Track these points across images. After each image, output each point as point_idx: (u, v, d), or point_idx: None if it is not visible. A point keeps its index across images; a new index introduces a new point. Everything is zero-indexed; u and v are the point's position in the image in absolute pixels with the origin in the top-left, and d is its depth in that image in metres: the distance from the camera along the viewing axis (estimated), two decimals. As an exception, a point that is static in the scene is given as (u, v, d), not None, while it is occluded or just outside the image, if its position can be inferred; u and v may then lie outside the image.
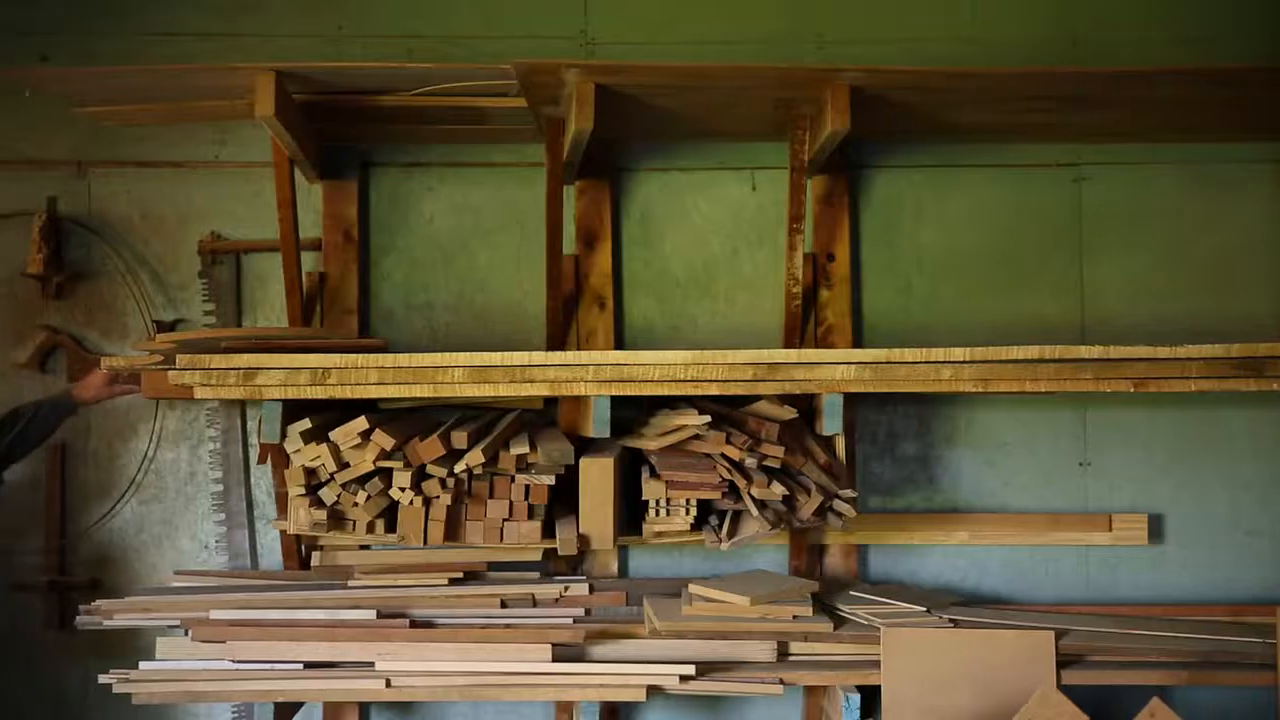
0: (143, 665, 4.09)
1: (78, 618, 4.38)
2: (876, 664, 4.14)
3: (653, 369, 3.95)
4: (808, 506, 4.12)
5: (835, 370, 3.98)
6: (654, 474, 4.11)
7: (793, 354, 4.00)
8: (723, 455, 4.05)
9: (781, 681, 4.09)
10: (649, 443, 4.12)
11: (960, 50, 4.91)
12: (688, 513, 4.11)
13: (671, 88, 4.28)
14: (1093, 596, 4.90)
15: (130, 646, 4.76)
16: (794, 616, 4.17)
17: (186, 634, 4.15)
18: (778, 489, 4.04)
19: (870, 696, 4.16)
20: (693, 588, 4.27)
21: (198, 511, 4.89)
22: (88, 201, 4.88)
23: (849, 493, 4.21)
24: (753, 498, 4.05)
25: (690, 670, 4.02)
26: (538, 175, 4.73)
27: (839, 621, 4.27)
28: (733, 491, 4.10)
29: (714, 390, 3.99)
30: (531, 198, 4.84)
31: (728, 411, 4.22)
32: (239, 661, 4.05)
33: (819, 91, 4.28)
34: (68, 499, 4.86)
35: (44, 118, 4.81)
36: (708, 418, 4.05)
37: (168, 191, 4.91)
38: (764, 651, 4.12)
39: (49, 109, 4.72)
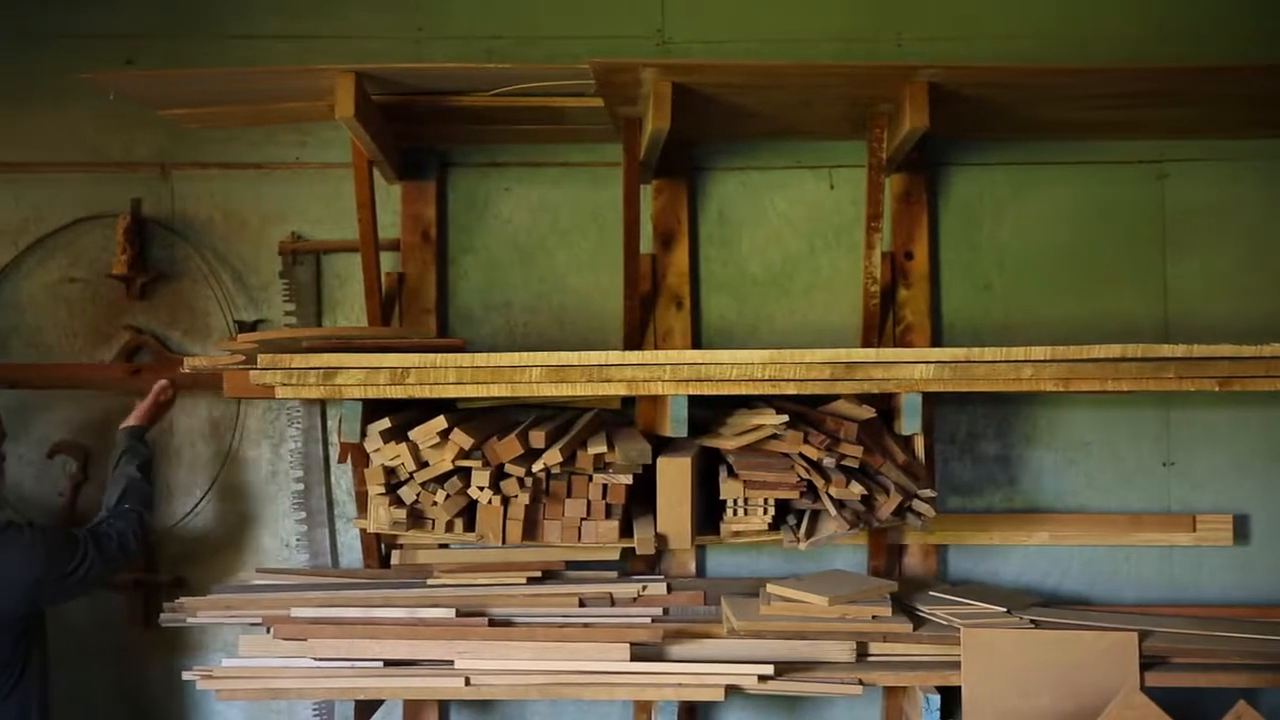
0: (225, 662, 4.13)
1: (162, 615, 4.43)
2: (956, 665, 4.11)
3: (730, 368, 3.94)
4: (886, 506, 4.09)
5: (914, 369, 3.96)
6: (731, 473, 4.10)
7: (871, 353, 3.97)
8: (800, 455, 4.03)
9: (860, 682, 4.07)
10: (726, 442, 4.11)
11: (1041, 46, 4.87)
12: (765, 512, 4.10)
13: (748, 86, 4.27)
14: (1176, 597, 4.84)
15: (213, 643, 4.82)
16: (873, 617, 4.15)
17: (268, 631, 4.19)
18: (856, 489, 4.03)
19: (950, 697, 4.13)
20: (771, 587, 4.26)
21: (279, 510, 4.94)
22: (171, 203, 4.93)
23: (928, 492, 4.19)
24: (831, 497, 4.03)
25: (769, 670, 4.01)
26: (615, 175, 4.74)
27: (918, 622, 4.24)
28: (811, 491, 4.08)
29: (791, 390, 3.98)
30: (609, 197, 4.85)
31: (805, 411, 4.20)
32: (320, 659, 4.08)
33: (897, 89, 4.25)
34: (152, 497, 4.92)
35: (129, 121, 4.87)
36: (785, 417, 4.04)
37: (249, 193, 4.95)
38: (843, 652, 4.10)
39: (133, 112, 4.77)
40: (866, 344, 4.64)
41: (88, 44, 4.88)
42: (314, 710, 4.82)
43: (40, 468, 4.90)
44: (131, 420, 4.60)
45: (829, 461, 4.02)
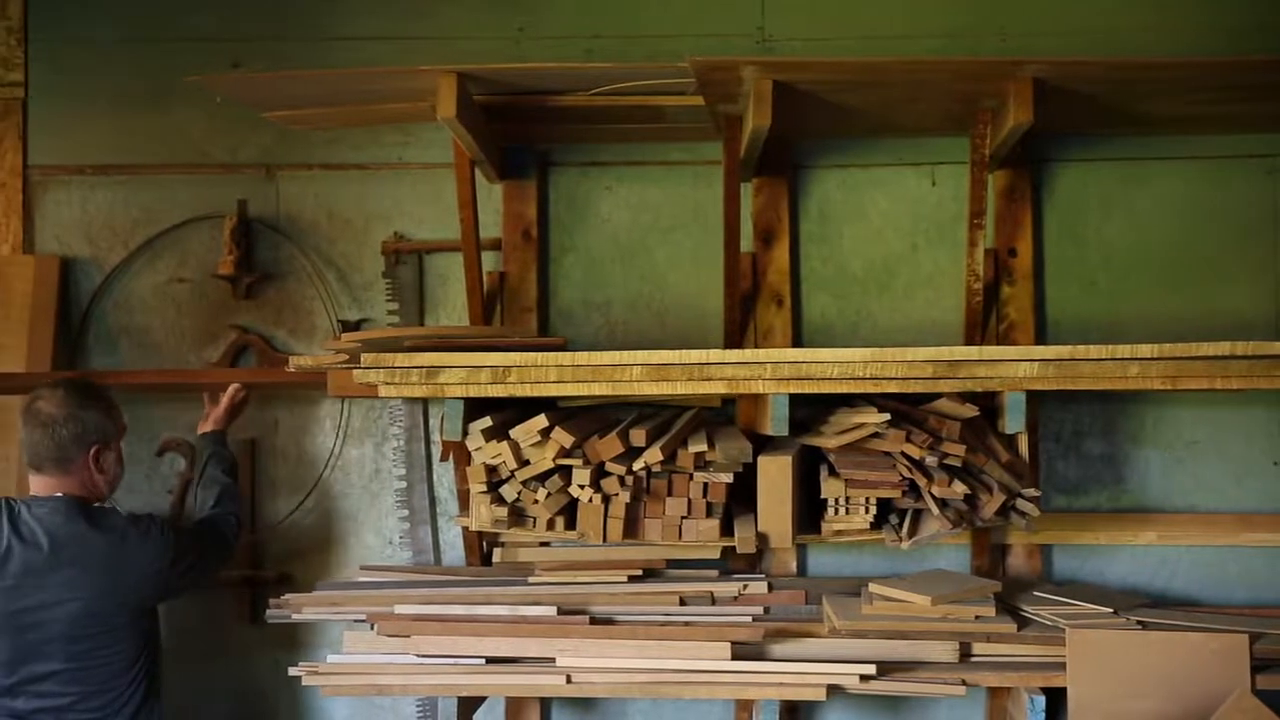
0: (330, 658, 4.16)
1: (268, 611, 4.48)
2: (1062, 666, 4.06)
3: (831, 366, 3.92)
4: (990, 505, 4.06)
5: (1018, 368, 3.92)
6: (833, 472, 4.08)
7: (973, 351, 3.94)
8: (903, 453, 4.00)
9: (964, 682, 4.03)
10: (828, 440, 4.09)
11: (1148, 40, 4.80)
12: (867, 511, 4.07)
13: (850, 84, 4.24)
14: (1289, 599, 4.77)
15: (318, 639, 4.87)
16: (976, 617, 4.11)
17: (372, 628, 4.22)
18: (959, 487, 3.99)
19: (1055, 699, 4.08)
20: (873, 587, 4.24)
21: (382, 507, 4.98)
22: (276, 204, 4.99)
23: (1032, 491, 4.14)
24: (933, 496, 4.00)
25: (871, 670, 3.98)
26: (715, 173, 4.73)
27: (1022, 622, 4.19)
28: (913, 490, 4.05)
29: (893, 388, 3.95)
30: (709, 195, 4.84)
31: (907, 409, 4.17)
32: (423, 656, 4.11)
33: (1001, 85, 4.21)
34: (258, 495, 4.99)
35: (235, 123, 4.94)
36: (887, 415, 4.01)
37: (353, 193, 5.00)
38: (946, 652, 4.07)
39: (240, 114, 4.83)
40: (969, 342, 4.60)
41: (194, 48, 4.95)
42: (417, 706, 4.86)
43: (149, 465, 4.98)
44: (209, 425, 4.66)
45: (931, 460, 3.99)
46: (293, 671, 4.18)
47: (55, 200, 5.02)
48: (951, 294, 4.82)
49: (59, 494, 4.07)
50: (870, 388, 3.94)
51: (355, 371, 4.03)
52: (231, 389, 4.68)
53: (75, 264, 5.01)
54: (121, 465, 4.27)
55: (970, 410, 4.08)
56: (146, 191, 5.01)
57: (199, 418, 4.77)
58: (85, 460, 4.10)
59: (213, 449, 4.60)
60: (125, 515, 4.15)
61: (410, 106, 4.57)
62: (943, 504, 4.02)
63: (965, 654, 4.12)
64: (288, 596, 4.51)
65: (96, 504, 4.14)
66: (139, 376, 4.78)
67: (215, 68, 4.88)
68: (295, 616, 4.43)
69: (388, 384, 3.98)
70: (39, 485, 4.11)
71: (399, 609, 4.25)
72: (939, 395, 4.14)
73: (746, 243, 4.80)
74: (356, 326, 4.93)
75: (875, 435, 4.03)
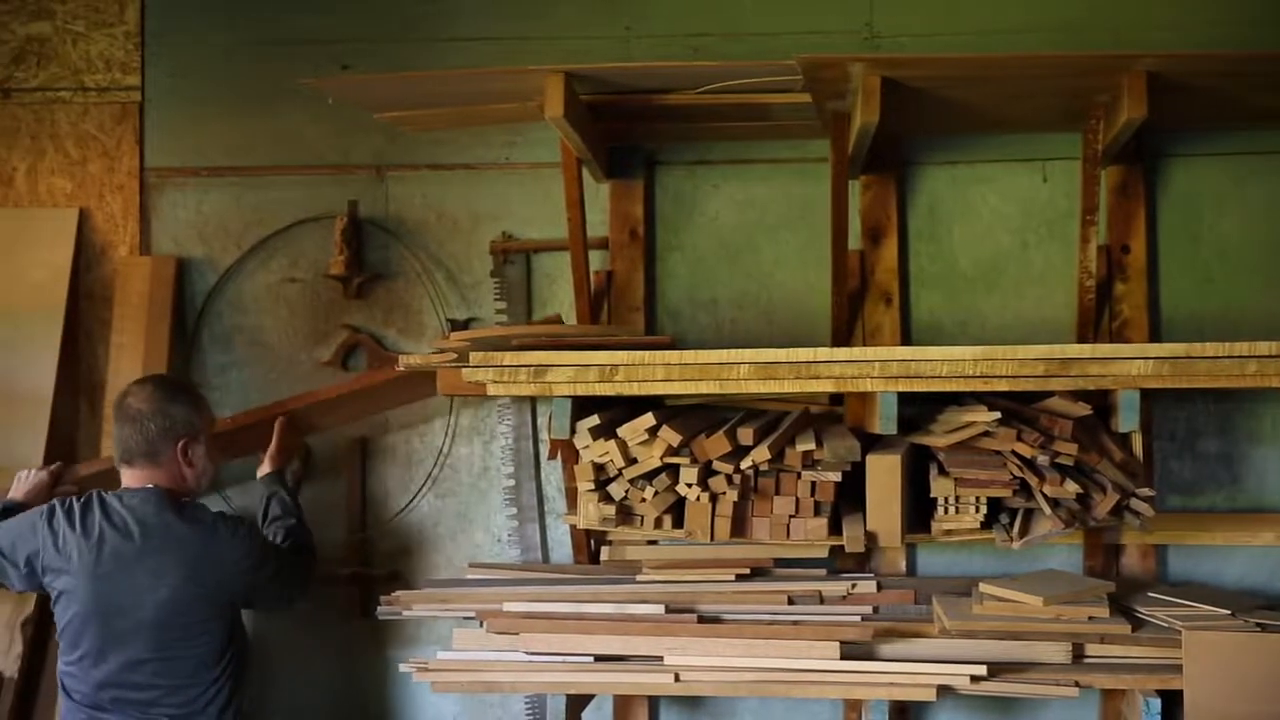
0: (439, 655, 4.20)
1: (379, 608, 4.53)
2: (1177, 668, 3.99)
3: (940, 365, 3.88)
4: (1103, 505, 4.00)
5: (1131, 365, 3.86)
6: (942, 471, 4.05)
7: (1086, 349, 3.88)
8: (1013, 452, 3.96)
9: (1077, 684, 3.98)
10: (937, 439, 4.06)
11: (1259, 35, 4.71)
12: (977, 510, 4.03)
13: (959, 79, 4.21)
14: None
15: (427, 636, 4.91)
16: (1089, 618, 4.06)
17: (481, 625, 4.25)
18: (1071, 487, 3.94)
19: (1171, 701, 4.02)
20: (983, 586, 4.20)
21: (491, 505, 5.01)
22: (386, 204, 5.04)
23: (1146, 491, 4.08)
24: (1045, 496, 3.96)
25: (981, 671, 3.94)
26: (822, 170, 4.71)
27: (1136, 623, 4.13)
28: (1024, 489, 4.01)
29: (1003, 386, 3.91)
30: (816, 193, 4.81)
31: (1018, 408, 4.13)
32: (532, 653, 4.13)
33: (1114, 79, 4.15)
34: (368, 493, 5.04)
35: (346, 124, 4.98)
36: (997, 414, 3.97)
37: (461, 193, 5.04)
38: (1058, 653, 4.02)
39: (350, 116, 4.88)
40: (1081, 339, 4.55)
41: (306, 50, 5.00)
42: (526, 703, 4.89)
43: (263, 463, 5.05)
44: (267, 467, 4.65)
45: (1043, 459, 3.94)
46: (403, 668, 4.22)
47: (171, 202, 5.10)
48: (1063, 291, 4.76)
49: (150, 485, 4.14)
50: (980, 386, 3.90)
51: (464, 370, 4.06)
52: (279, 424, 4.69)
53: (190, 264, 5.09)
54: (212, 460, 4.29)
55: (1083, 409, 4.03)
56: (259, 193, 5.08)
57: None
58: (174, 454, 4.16)
59: (270, 489, 4.62)
60: (215, 512, 4.21)
61: (518, 106, 4.59)
62: (1055, 503, 3.98)
63: (1078, 655, 4.07)
64: (398, 593, 4.55)
65: (185, 498, 4.19)
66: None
67: (326, 70, 4.94)
68: (405, 613, 4.47)
69: (496, 383, 4.01)
70: (130, 479, 4.17)
71: (508, 606, 4.27)
72: (1050, 394, 4.10)
73: (854, 240, 4.77)
74: (465, 326, 4.96)
75: (985, 434, 3.99)
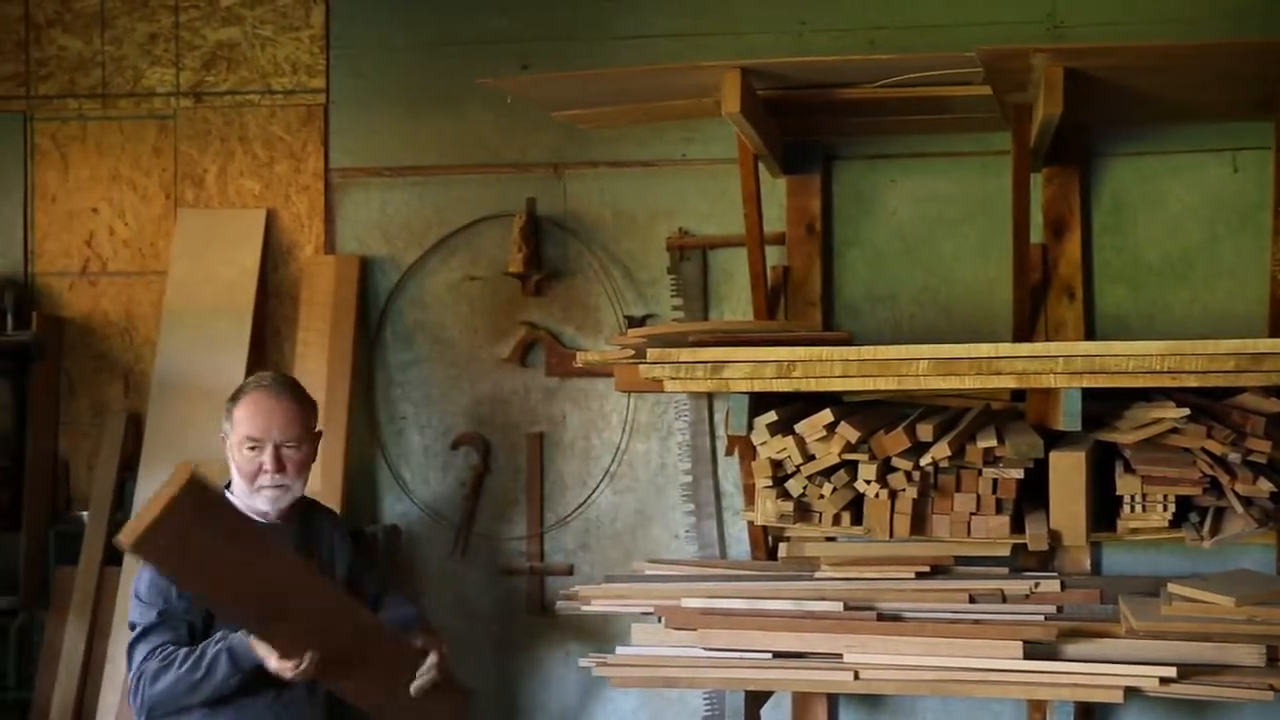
0: (619, 650, 4.22)
1: (558, 603, 4.57)
2: (1377, 672, 3.86)
3: (1126, 360, 3.79)
4: (1298, 504, 3.89)
5: (1329, 360, 3.74)
6: (1129, 469, 3.97)
7: (1278, 343, 3.77)
8: (1203, 449, 3.86)
9: (1272, 688, 3.86)
10: (1123, 436, 3.98)
11: None
12: (1165, 509, 3.94)
13: (1144, 69, 4.12)
14: None
15: (604, 631, 4.94)
16: (1285, 619, 3.95)
17: (660, 621, 4.26)
18: (1265, 485, 3.83)
19: (1373, 707, 3.89)
20: (1172, 586, 4.09)
21: (668, 501, 5.03)
22: (564, 202, 5.08)
23: (1344, 490, 3.96)
24: (1237, 494, 3.85)
25: (1171, 673, 3.84)
26: (1002, 164, 4.64)
27: (1334, 627, 4.01)
28: (1214, 487, 3.91)
29: (1192, 382, 3.80)
30: (997, 187, 4.74)
31: (1207, 404, 4.02)
32: (710, 649, 4.13)
33: (1303, 65, 4.04)
34: (546, 489, 5.09)
35: (524, 123, 5.03)
36: (1186, 410, 3.88)
37: (637, 190, 5.06)
38: (1251, 655, 3.90)
39: (528, 115, 4.92)
40: (1274, 334, 4.43)
41: (485, 50, 5.07)
42: (705, 699, 4.89)
43: (445, 459, 5.12)
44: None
45: (1234, 456, 3.84)
46: (583, 663, 4.24)
47: (355, 202, 5.21)
48: (1255, 284, 4.64)
49: None
50: (1168, 381, 3.80)
51: (641, 367, 4.07)
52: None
53: (373, 262, 5.19)
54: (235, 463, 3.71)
55: (1275, 405, 3.91)
56: (440, 191, 5.16)
57: (491, 413, 4.90)
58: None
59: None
60: None
61: (694, 103, 4.60)
62: (1247, 502, 3.87)
63: (1274, 658, 3.95)
64: (577, 588, 4.58)
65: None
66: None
67: (505, 69, 4.99)
68: (584, 608, 4.49)
69: (673, 379, 4.01)
70: None
71: (686, 602, 4.28)
72: (1241, 390, 3.99)
73: (1036, 234, 4.69)
74: (642, 322, 4.99)
75: (1174, 431, 3.90)
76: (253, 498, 3.57)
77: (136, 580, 3.53)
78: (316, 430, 3.74)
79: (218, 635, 3.39)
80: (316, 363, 5.01)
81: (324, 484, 4.87)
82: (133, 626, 3.49)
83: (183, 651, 3.40)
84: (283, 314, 5.21)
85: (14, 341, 5.09)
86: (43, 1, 5.34)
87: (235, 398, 3.65)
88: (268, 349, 5.21)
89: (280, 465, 3.58)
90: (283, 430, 3.59)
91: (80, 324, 5.32)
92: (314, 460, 3.72)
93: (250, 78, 5.27)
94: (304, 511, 3.74)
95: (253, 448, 3.57)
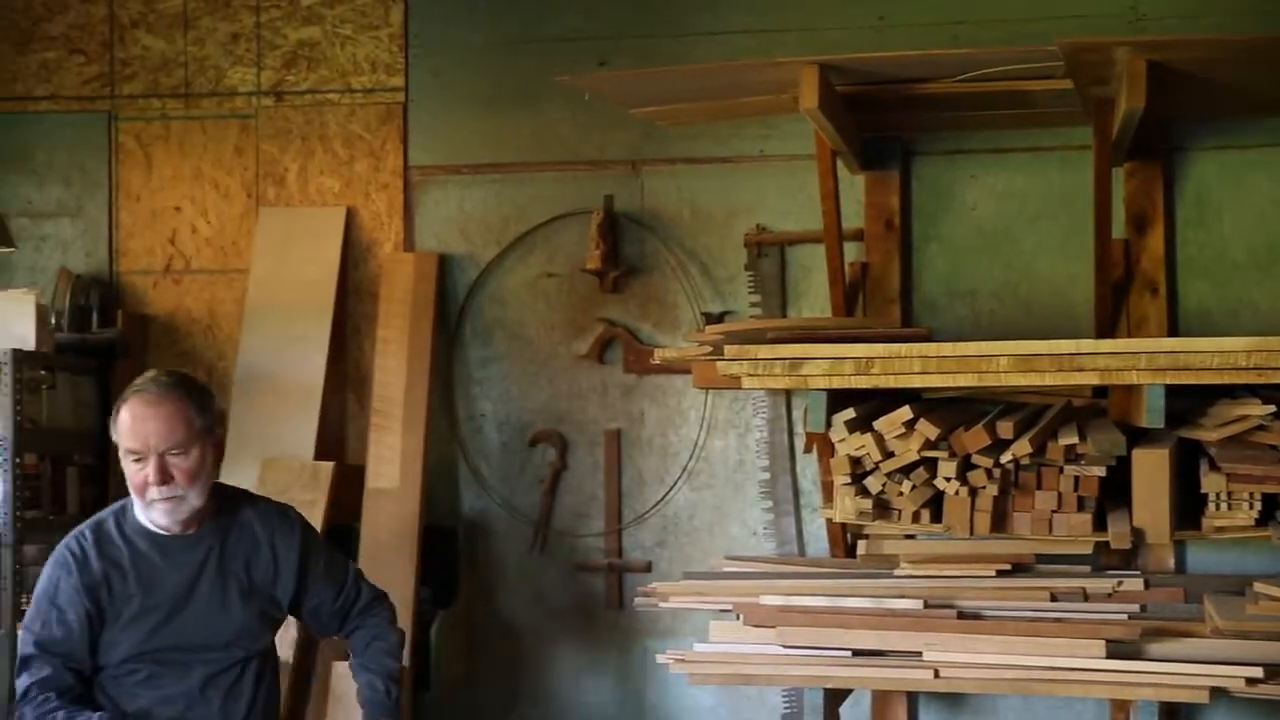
0: (697, 647, 4.21)
1: (636, 600, 4.57)
2: None
3: (1210, 356, 3.75)
4: (1390, 503, 3.84)
5: None
6: (1213, 466, 3.93)
7: (1368, 340, 3.72)
8: (1290, 447, 3.83)
9: (1362, 689, 3.81)
10: (1207, 433, 3.93)
11: None
12: (1251, 507, 3.90)
13: (1227, 62, 4.08)
14: None
15: (681, 628, 4.94)
16: (1374, 620, 3.89)
17: (738, 618, 4.25)
18: (1353, 484, 3.79)
19: None
20: (1258, 586, 4.04)
21: (746, 498, 5.02)
22: (641, 199, 5.09)
23: None
24: (1325, 492, 3.81)
25: (1257, 673, 3.79)
26: (1084, 158, 4.60)
27: None
28: (1303, 485, 3.87)
29: (1278, 379, 3.76)
30: (1078, 181, 4.70)
31: (1294, 401, 3.98)
32: (789, 647, 4.12)
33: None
34: (624, 485, 5.09)
35: (601, 120, 5.05)
36: (1272, 407, 3.83)
37: (715, 187, 5.06)
38: (1341, 656, 3.86)
39: (606, 112, 4.94)
40: (1363, 329, 4.36)
41: (562, 47, 5.08)
42: (784, 697, 4.88)
43: (523, 456, 5.14)
44: None
45: (1322, 454, 3.80)
46: (660, 659, 4.24)
47: (433, 199, 5.24)
48: (1345, 280, 4.58)
49: None
50: (1253, 378, 3.76)
51: (719, 364, 4.07)
52: None
53: (452, 260, 5.21)
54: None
55: (1364, 401, 3.87)
56: (518, 189, 5.17)
57: (569, 409, 4.92)
58: None
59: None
60: None
61: (772, 99, 4.59)
62: (1335, 500, 3.83)
63: (1363, 658, 3.89)
64: (655, 585, 4.58)
65: None
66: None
67: (583, 67, 5.00)
68: (662, 605, 4.49)
69: (751, 376, 4.01)
70: None
71: (764, 599, 4.26)
72: (1331, 386, 3.94)
73: (1118, 229, 4.64)
74: (719, 319, 4.98)
75: (1260, 428, 3.86)
76: (149, 511, 3.37)
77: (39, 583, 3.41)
78: (214, 429, 3.44)
79: (94, 718, 3.27)
80: (396, 360, 5.04)
81: (404, 481, 4.91)
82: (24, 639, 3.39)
83: (62, 715, 3.26)
84: (362, 311, 5.24)
85: (99, 339, 5.15)
86: (127, 2, 5.40)
87: (117, 406, 3.38)
88: (348, 346, 5.25)
89: (166, 476, 3.31)
90: (163, 438, 3.30)
91: (164, 322, 5.38)
92: (217, 461, 3.46)
93: (330, 77, 5.31)
94: (219, 516, 3.50)
95: (136, 460, 3.32)
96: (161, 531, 3.40)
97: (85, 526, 3.47)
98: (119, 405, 3.36)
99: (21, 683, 3.32)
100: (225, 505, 3.52)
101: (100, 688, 3.41)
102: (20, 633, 3.40)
